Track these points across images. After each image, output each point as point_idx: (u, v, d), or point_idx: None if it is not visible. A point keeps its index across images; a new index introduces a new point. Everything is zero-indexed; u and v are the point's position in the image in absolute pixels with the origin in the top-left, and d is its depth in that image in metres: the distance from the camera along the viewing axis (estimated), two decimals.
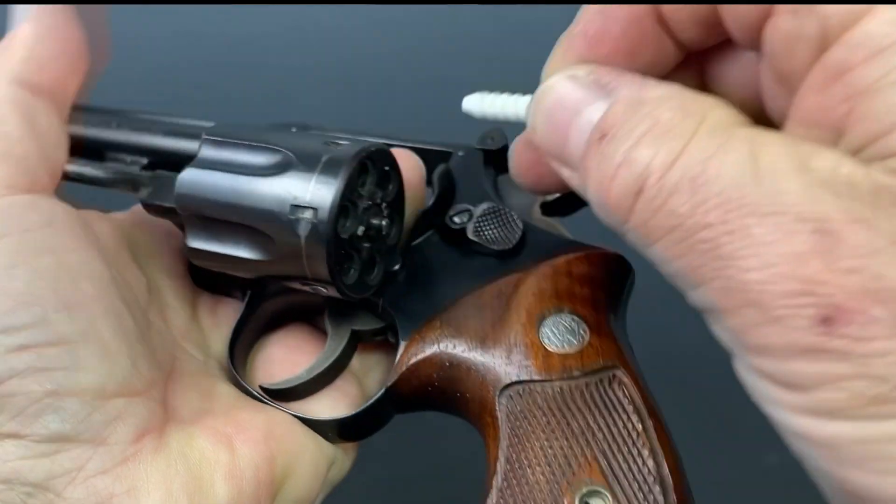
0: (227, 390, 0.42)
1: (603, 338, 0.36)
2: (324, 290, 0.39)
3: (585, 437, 0.33)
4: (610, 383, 0.35)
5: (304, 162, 0.38)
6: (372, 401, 0.39)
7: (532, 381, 0.35)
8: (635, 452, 0.33)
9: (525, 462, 0.34)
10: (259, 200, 0.38)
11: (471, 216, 0.42)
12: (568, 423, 0.34)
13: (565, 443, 0.33)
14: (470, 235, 0.41)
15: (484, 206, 0.42)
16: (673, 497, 0.32)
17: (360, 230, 0.39)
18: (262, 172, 0.38)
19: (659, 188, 0.27)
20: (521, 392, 0.35)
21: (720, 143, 0.27)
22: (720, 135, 0.27)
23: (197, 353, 0.44)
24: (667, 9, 0.32)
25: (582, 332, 0.36)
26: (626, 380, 0.35)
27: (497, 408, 0.35)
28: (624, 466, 0.33)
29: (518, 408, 0.35)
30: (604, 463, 0.33)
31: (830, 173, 0.26)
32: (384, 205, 0.40)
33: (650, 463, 0.33)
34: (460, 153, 0.44)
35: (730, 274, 0.26)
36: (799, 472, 0.28)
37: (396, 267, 0.41)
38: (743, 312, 0.26)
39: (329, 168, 0.37)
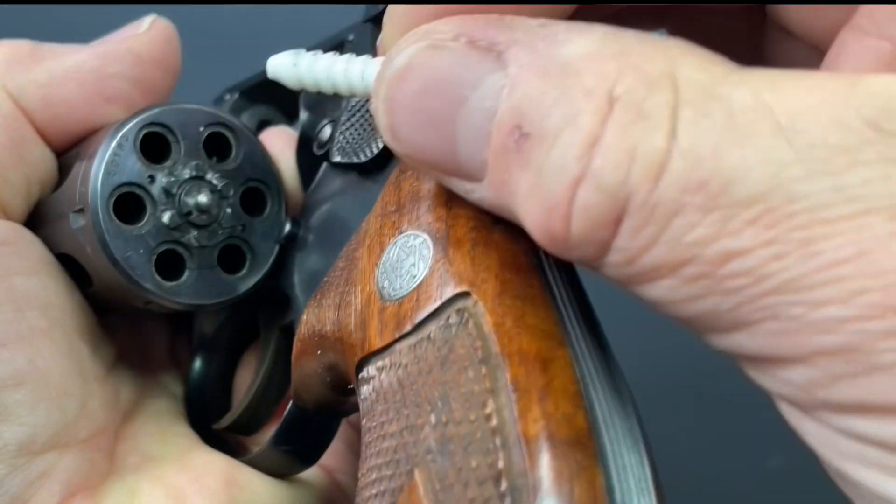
0: (189, 430, 0.37)
1: (451, 252, 0.23)
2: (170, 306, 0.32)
3: (414, 429, 0.22)
4: (453, 327, 0.22)
5: (82, 155, 0.33)
6: (283, 418, 0.33)
7: (370, 355, 0.25)
8: (475, 438, 0.20)
9: (361, 485, 0.24)
10: (55, 223, 0.33)
11: (335, 127, 0.33)
12: (398, 411, 0.23)
13: (391, 444, 0.22)
14: (333, 157, 0.32)
15: (351, 103, 0.32)
16: (530, 498, 0.19)
17: (167, 217, 0.32)
18: (57, 187, 0.34)
19: (650, 209, 0.19)
20: (367, 375, 0.25)
21: (720, 119, 0.19)
22: (714, 105, 0.19)
23: (173, 386, 0.40)
24: None
25: (424, 253, 0.24)
26: (478, 312, 0.22)
27: (359, 403, 0.25)
28: (458, 465, 0.20)
29: (364, 399, 0.25)
30: (426, 473, 0.21)
31: None
32: (215, 176, 0.33)
33: (493, 444, 0.20)
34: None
35: (792, 313, 0.18)
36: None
37: (284, 234, 0.34)
38: (818, 362, 0.18)
39: (95, 152, 0.31)
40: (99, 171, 0.30)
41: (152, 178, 0.32)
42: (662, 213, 0.19)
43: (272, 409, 0.37)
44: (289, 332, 0.36)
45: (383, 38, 0.25)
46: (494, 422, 0.20)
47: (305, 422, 0.33)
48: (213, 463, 0.35)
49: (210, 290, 0.33)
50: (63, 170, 0.35)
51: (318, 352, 0.29)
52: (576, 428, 0.20)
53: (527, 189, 0.21)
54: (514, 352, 0.21)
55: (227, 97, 0.43)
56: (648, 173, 0.19)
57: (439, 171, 0.23)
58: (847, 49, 0.20)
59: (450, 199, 0.25)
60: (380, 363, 0.24)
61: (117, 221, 0.31)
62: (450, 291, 0.23)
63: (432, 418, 0.21)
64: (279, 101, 0.42)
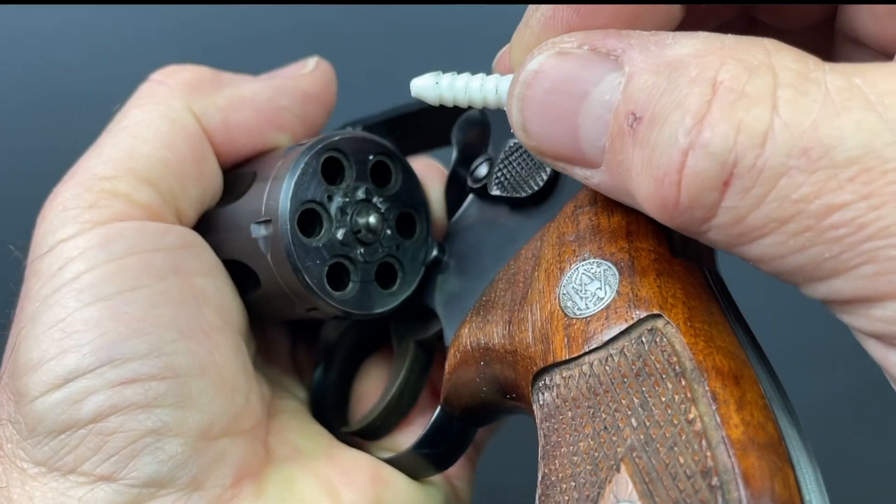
0: (323, 429, 0.40)
1: (638, 279, 0.27)
2: (335, 315, 0.35)
3: (615, 430, 0.25)
4: (647, 343, 0.26)
5: (262, 174, 0.36)
6: (429, 425, 0.36)
7: (555, 364, 0.28)
8: (680, 440, 0.23)
9: (555, 479, 0.26)
10: (229, 231, 0.36)
11: (492, 165, 0.36)
12: (593, 416, 0.26)
13: (591, 443, 0.26)
14: (492, 191, 0.35)
15: (508, 144, 0.35)
16: (739, 492, 0.22)
17: (341, 234, 0.35)
18: (232, 200, 0.37)
19: (758, 172, 0.22)
20: (547, 383, 0.28)
21: (820, 99, 0.21)
22: (811, 87, 0.22)
23: (296, 389, 0.42)
24: None
25: (610, 279, 0.28)
26: (670, 332, 0.25)
27: (534, 408, 0.29)
28: (665, 461, 0.23)
29: (546, 404, 0.28)
30: (633, 466, 0.24)
31: None
32: (379, 199, 0.36)
33: (699, 445, 0.23)
34: None
35: (888, 254, 0.21)
36: None
37: (431, 257, 0.37)
38: None
39: (281, 174, 0.35)
40: (290, 188, 0.34)
41: (330, 198, 0.35)
42: (769, 175, 0.22)
43: (402, 417, 0.40)
44: (424, 345, 0.40)
45: (512, 54, 0.28)
46: (699, 426, 0.23)
47: (449, 429, 0.36)
48: (360, 459, 0.37)
49: (369, 302, 0.36)
50: (228, 184, 0.39)
51: (482, 363, 0.32)
52: (769, 434, 0.23)
53: (640, 165, 0.24)
54: (710, 367, 0.25)
55: (349, 129, 0.47)
56: (754, 141, 0.21)
57: (563, 160, 0.27)
58: None
59: (629, 233, 0.29)
60: (566, 373, 0.28)
61: (301, 235, 0.34)
62: (640, 313, 0.26)
63: (633, 421, 0.25)
64: (398, 138, 0.46)
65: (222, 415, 0.34)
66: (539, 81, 0.26)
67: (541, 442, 0.28)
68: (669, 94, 0.23)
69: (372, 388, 0.43)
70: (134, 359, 0.32)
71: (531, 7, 0.27)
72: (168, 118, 0.37)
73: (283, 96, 0.39)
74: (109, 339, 0.32)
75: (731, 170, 0.22)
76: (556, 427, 0.27)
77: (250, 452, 0.35)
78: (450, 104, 0.31)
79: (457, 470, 0.40)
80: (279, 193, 0.34)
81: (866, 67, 0.22)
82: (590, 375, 0.27)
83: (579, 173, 0.27)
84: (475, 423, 0.36)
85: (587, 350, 0.27)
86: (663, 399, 0.25)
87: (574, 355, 0.27)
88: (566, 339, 0.28)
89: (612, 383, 0.26)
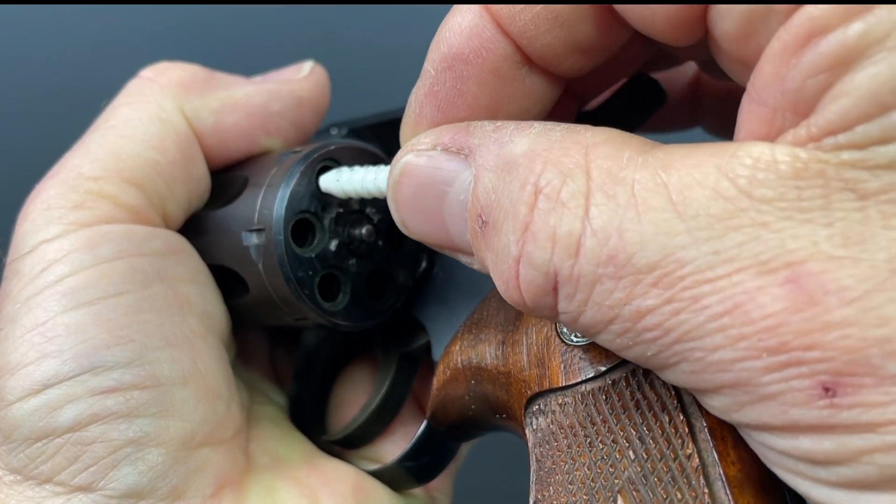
0: (303, 436, 0.40)
1: None
2: (319, 323, 0.35)
3: (612, 461, 0.25)
4: (646, 375, 0.26)
5: (254, 179, 0.36)
6: (414, 439, 0.36)
7: (550, 390, 0.28)
8: (678, 475, 0.24)
9: None
10: (218, 236, 0.36)
11: None
12: (591, 444, 0.26)
13: (588, 473, 0.26)
14: None
15: None
16: None
17: (334, 245, 0.35)
18: (221, 205, 0.37)
19: (576, 281, 0.23)
20: (542, 407, 0.28)
21: (624, 202, 0.22)
22: (619, 189, 0.22)
23: (274, 394, 0.42)
24: (538, 45, 0.26)
25: None
26: None
27: (526, 431, 0.29)
28: (662, 496, 0.24)
29: (540, 429, 0.28)
30: (631, 499, 0.24)
31: (781, 191, 0.21)
32: (373, 210, 0.36)
33: (697, 481, 0.24)
34: None
35: (696, 357, 0.21)
36: None
37: (422, 269, 0.37)
38: (726, 392, 0.22)
39: (275, 182, 0.34)
40: (284, 199, 0.33)
41: (324, 208, 0.35)
42: (585, 283, 0.23)
43: (384, 427, 0.40)
44: (409, 357, 0.39)
45: (401, 135, 0.30)
46: (696, 462, 0.24)
47: (433, 443, 0.36)
48: (342, 469, 0.37)
49: (358, 313, 0.36)
50: (217, 187, 0.38)
51: (472, 381, 0.32)
52: (765, 472, 0.23)
53: (491, 266, 0.25)
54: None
55: (334, 131, 0.46)
56: (568, 252, 0.23)
57: (444, 249, 0.28)
58: (743, 114, 0.23)
59: None
60: (562, 400, 0.28)
61: (294, 245, 0.34)
62: None
63: (631, 454, 0.25)
64: (386, 141, 0.45)
65: (204, 424, 0.33)
66: (404, 184, 0.28)
67: (532, 466, 0.28)
68: (504, 200, 0.24)
69: (351, 396, 0.42)
70: (116, 367, 0.31)
71: (409, 102, 0.29)
72: (158, 119, 0.36)
73: (277, 101, 0.38)
74: (91, 345, 0.31)
75: (554, 279, 0.23)
76: (550, 453, 0.27)
77: (231, 461, 0.34)
78: (355, 197, 0.33)
79: (436, 481, 0.40)
80: (273, 202, 0.34)
81: (679, 155, 0.22)
82: (586, 404, 0.27)
83: (462, 259, 0.28)
84: (460, 438, 0.36)
85: (584, 378, 0.27)
86: (661, 433, 0.25)
87: (570, 382, 0.27)
88: (562, 366, 0.28)
89: (610, 414, 0.26)
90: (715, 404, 0.22)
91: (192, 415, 0.33)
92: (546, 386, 0.28)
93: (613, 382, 0.26)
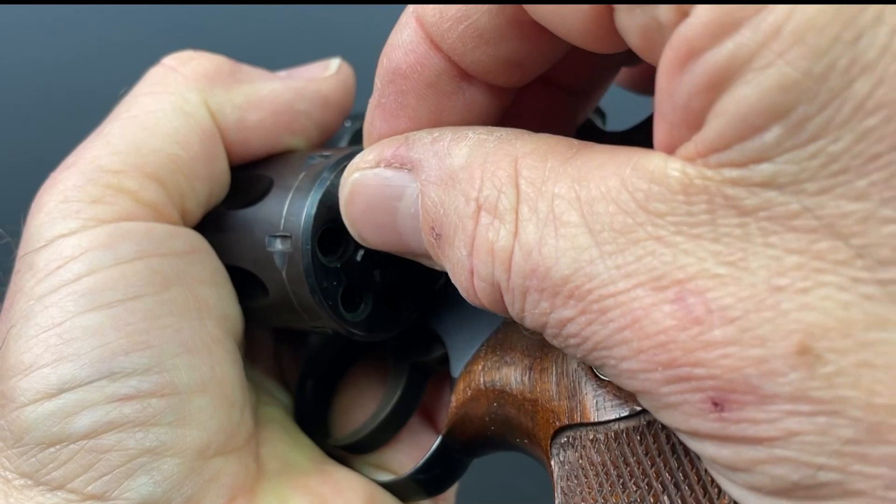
0: (310, 440, 0.39)
1: None
2: (339, 332, 0.34)
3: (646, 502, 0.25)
4: None
5: (281, 181, 0.35)
6: (429, 453, 0.35)
7: (581, 424, 0.28)
8: None
9: None
10: (238, 237, 0.35)
11: None
12: (624, 485, 0.26)
13: None
14: None
15: None
16: None
17: (360, 255, 0.34)
18: (243, 205, 0.36)
19: (512, 293, 0.24)
20: (571, 440, 0.28)
21: (544, 217, 0.23)
22: (541, 202, 0.23)
23: (279, 393, 0.41)
24: (469, 61, 0.26)
25: None
26: None
27: (552, 461, 0.28)
28: None
29: (569, 462, 0.28)
30: None
31: (676, 208, 0.21)
32: None
33: None
34: None
35: (611, 364, 0.23)
36: None
37: (443, 280, 0.36)
38: (641, 397, 0.23)
39: (304, 188, 0.33)
40: (313, 207, 0.33)
41: None
42: (518, 294, 0.24)
43: (392, 435, 0.39)
44: (421, 367, 0.39)
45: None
46: None
47: (447, 458, 0.36)
48: (354, 479, 0.37)
49: (379, 323, 0.35)
50: (236, 184, 0.37)
51: (495, 404, 0.32)
52: None
53: (451, 274, 0.26)
54: None
55: (347, 123, 0.45)
56: (504, 266, 0.24)
57: (405, 255, 0.29)
58: (654, 124, 0.23)
59: None
60: (593, 436, 0.27)
61: (320, 255, 0.33)
62: None
63: (665, 499, 0.25)
64: None
65: (220, 432, 0.33)
66: (355, 201, 0.29)
67: (558, 498, 0.28)
68: (451, 214, 0.25)
69: (357, 400, 0.42)
70: (134, 374, 0.30)
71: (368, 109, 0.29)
72: (182, 111, 0.34)
73: (303, 100, 0.37)
74: (110, 350, 0.30)
75: (498, 290, 0.24)
76: (578, 489, 0.27)
77: (243, 469, 0.34)
78: None
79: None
80: (302, 209, 0.33)
81: (592, 165, 0.23)
82: (620, 443, 0.26)
83: (424, 262, 0.29)
84: (474, 455, 0.36)
85: (618, 417, 0.27)
86: (697, 479, 0.25)
87: (603, 419, 0.27)
88: (595, 402, 0.28)
89: (645, 456, 0.26)
90: (644, 404, 0.24)
91: (208, 423, 0.32)
92: (577, 419, 0.28)
93: (649, 424, 0.26)
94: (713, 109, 0.20)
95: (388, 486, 0.37)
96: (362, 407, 0.41)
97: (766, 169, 0.20)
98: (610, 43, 0.24)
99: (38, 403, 0.29)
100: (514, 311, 0.25)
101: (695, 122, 0.21)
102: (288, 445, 0.37)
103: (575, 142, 0.24)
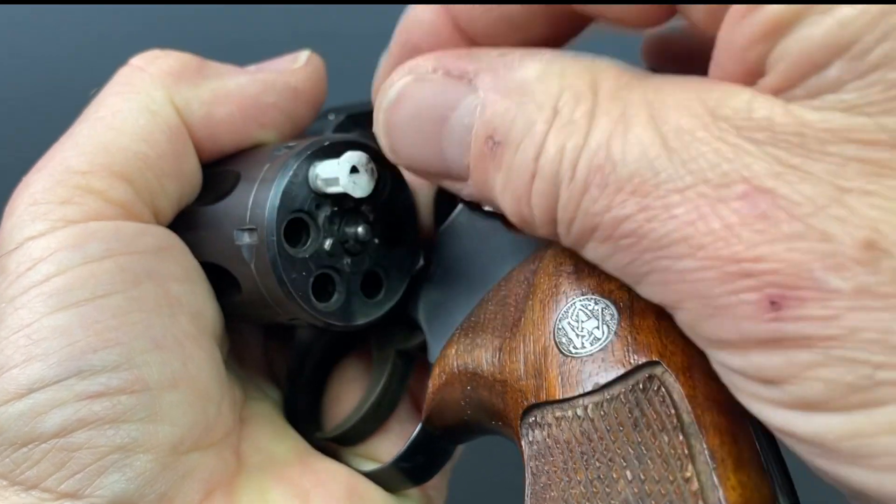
0: (296, 434, 0.39)
1: (637, 321, 0.26)
2: (315, 324, 0.34)
3: (609, 481, 0.24)
4: (645, 391, 0.25)
5: (247, 174, 0.34)
6: (409, 440, 0.35)
7: (547, 402, 0.27)
8: (676, 498, 0.23)
9: None
10: (210, 233, 0.35)
11: None
12: (587, 462, 0.25)
13: (583, 491, 0.25)
14: (485, 205, 0.32)
15: None
16: None
17: (328, 244, 0.34)
18: (213, 200, 0.36)
19: (571, 191, 0.24)
20: (538, 420, 0.27)
21: (616, 118, 0.24)
22: (614, 106, 0.24)
23: (269, 389, 0.41)
24: (493, 45, 0.28)
25: (608, 319, 0.27)
26: (668, 381, 0.25)
27: (522, 441, 0.28)
28: None
29: (536, 441, 0.27)
30: None
31: (745, 119, 0.22)
32: (368, 208, 0.35)
33: None
34: None
35: (664, 265, 0.23)
36: None
37: (417, 267, 0.36)
38: (688, 306, 0.23)
39: (268, 179, 0.33)
40: (277, 197, 0.32)
41: (318, 206, 0.34)
42: (577, 191, 0.24)
43: (379, 425, 0.39)
44: (405, 355, 0.39)
45: (376, 76, 0.30)
46: (695, 485, 0.23)
47: (429, 445, 0.35)
48: (336, 470, 0.36)
49: (353, 313, 0.35)
50: (208, 181, 0.37)
51: (468, 387, 0.32)
52: (765, 496, 0.23)
53: (502, 185, 0.26)
54: (709, 423, 0.24)
55: (332, 117, 0.45)
56: (571, 163, 0.24)
57: (432, 177, 0.29)
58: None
59: None
60: (559, 413, 0.27)
61: (287, 245, 0.33)
62: (639, 359, 0.26)
63: (628, 474, 0.24)
64: None
65: (193, 427, 0.32)
66: (400, 108, 0.28)
67: (528, 479, 0.28)
68: (520, 121, 0.25)
69: (346, 392, 0.41)
70: (103, 371, 0.30)
71: (396, 32, 0.29)
72: (149, 110, 0.34)
73: (271, 92, 0.37)
74: (78, 349, 0.30)
75: (555, 192, 0.25)
76: (545, 468, 0.27)
77: (221, 463, 0.34)
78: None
79: (431, 480, 0.40)
80: (266, 200, 0.33)
81: (668, 81, 0.24)
82: (584, 419, 0.26)
83: (449, 185, 0.29)
84: (456, 440, 0.36)
85: (582, 392, 0.26)
86: (660, 453, 0.24)
87: (568, 396, 0.27)
88: (560, 378, 0.27)
89: (608, 431, 0.25)
90: (682, 319, 0.24)
91: (181, 419, 0.32)
92: (543, 398, 0.27)
93: (612, 398, 0.26)
94: (773, 54, 0.22)
95: (373, 476, 0.37)
96: (351, 398, 0.41)
97: (828, 97, 0.21)
98: (658, 21, 0.25)
99: (9, 404, 0.30)
100: (565, 215, 0.25)
101: (756, 69, 0.22)
102: (272, 439, 0.37)
103: (647, 71, 0.26)
